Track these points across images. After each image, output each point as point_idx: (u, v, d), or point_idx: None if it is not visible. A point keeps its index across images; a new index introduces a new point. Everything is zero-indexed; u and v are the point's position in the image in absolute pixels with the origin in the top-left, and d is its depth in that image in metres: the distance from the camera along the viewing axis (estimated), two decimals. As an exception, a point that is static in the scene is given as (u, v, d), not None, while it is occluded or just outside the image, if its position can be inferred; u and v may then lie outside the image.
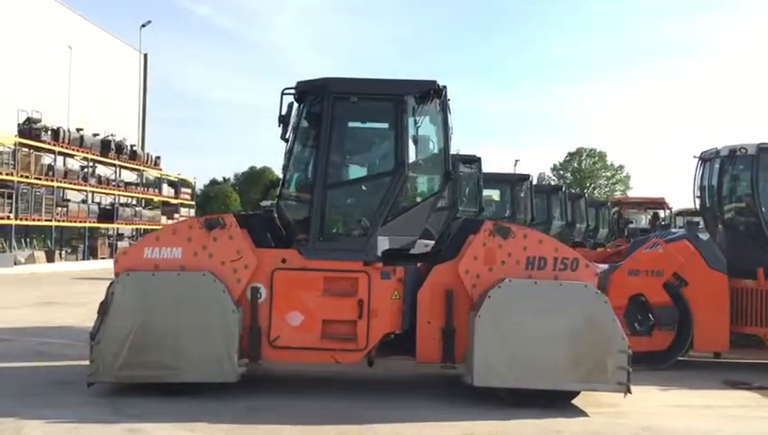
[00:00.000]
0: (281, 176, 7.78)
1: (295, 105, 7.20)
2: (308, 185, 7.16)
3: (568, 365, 6.59)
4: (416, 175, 7.34)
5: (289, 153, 7.24)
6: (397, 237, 7.16)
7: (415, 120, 7.09)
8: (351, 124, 7.68)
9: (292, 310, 6.92)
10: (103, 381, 6.72)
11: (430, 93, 7.15)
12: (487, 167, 13.46)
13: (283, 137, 7.12)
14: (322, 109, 7.05)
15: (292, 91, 7.15)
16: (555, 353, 6.59)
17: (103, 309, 6.77)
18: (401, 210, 7.16)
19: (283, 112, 7.05)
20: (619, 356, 6.59)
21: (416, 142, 7.23)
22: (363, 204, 7.44)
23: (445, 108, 7.37)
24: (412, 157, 7.16)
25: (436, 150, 7.51)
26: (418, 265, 7.24)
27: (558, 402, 6.71)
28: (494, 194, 16.57)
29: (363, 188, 7.59)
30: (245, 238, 6.95)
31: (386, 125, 7.37)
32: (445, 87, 7.27)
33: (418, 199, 7.44)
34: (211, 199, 57.39)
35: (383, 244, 7.02)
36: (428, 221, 7.68)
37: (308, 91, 7.18)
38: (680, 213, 27.81)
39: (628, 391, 6.62)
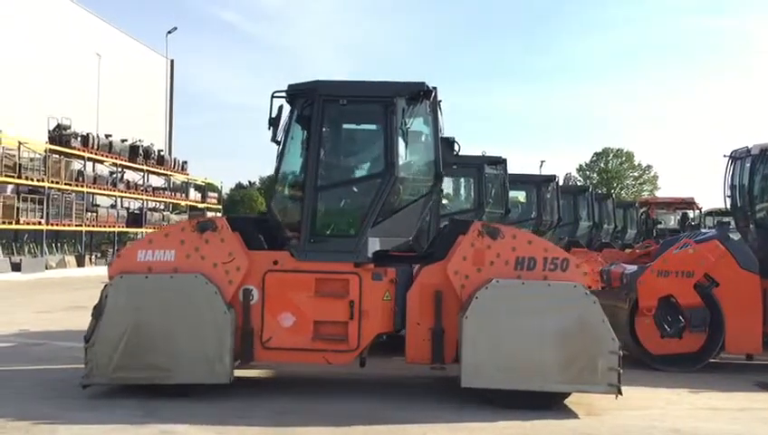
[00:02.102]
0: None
1: (287, 108, 7.28)
2: (299, 187, 7.21)
3: (557, 366, 6.53)
4: (406, 176, 7.33)
5: (280, 156, 7.30)
6: (388, 239, 7.19)
7: (404, 122, 7.09)
8: (341, 126, 7.74)
9: (283, 311, 6.96)
10: (98, 383, 6.82)
11: (420, 95, 7.16)
12: (513, 168, 13.37)
13: (273, 139, 7.19)
14: (313, 111, 7.11)
15: (283, 94, 7.23)
16: (544, 354, 6.54)
17: (97, 312, 6.87)
18: (392, 212, 7.17)
19: (273, 115, 7.12)
20: (609, 357, 6.51)
21: (406, 144, 7.24)
22: (354, 206, 7.47)
23: (435, 109, 7.38)
24: (402, 158, 7.18)
25: (426, 152, 7.52)
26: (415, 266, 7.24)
27: (549, 404, 6.65)
28: (521, 195, 16.45)
29: (354, 189, 7.60)
30: (237, 240, 7.02)
31: (376, 127, 7.39)
32: (435, 89, 7.28)
33: (409, 201, 7.42)
34: (237, 203, 57.79)
35: (374, 245, 7.03)
36: (421, 222, 7.68)
37: (299, 94, 7.24)
38: (710, 213, 27.50)
39: (619, 392, 6.54)
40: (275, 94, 7.14)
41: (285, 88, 7.25)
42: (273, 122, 7.12)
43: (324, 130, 7.20)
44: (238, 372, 7.88)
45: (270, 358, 7.09)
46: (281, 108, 7.17)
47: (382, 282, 6.96)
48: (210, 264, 6.92)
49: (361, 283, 6.92)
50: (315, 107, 7.10)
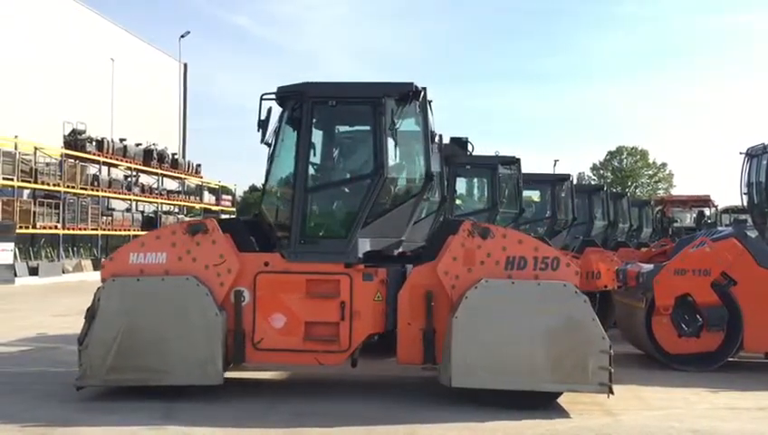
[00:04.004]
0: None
1: (277, 110, 7.31)
2: (289, 188, 7.24)
3: (547, 366, 6.51)
4: (396, 177, 7.34)
5: (271, 158, 7.32)
6: (378, 239, 7.19)
7: (393, 123, 7.08)
8: (331, 128, 7.77)
9: (275, 312, 6.99)
10: (91, 385, 6.88)
11: (409, 95, 7.15)
12: (527, 167, 13.31)
13: (262, 141, 7.23)
14: (302, 113, 7.13)
15: (272, 96, 7.25)
16: (534, 354, 6.52)
17: (90, 314, 6.94)
18: (382, 212, 7.18)
19: (263, 117, 7.15)
20: (600, 356, 6.49)
21: (396, 144, 7.24)
22: (344, 207, 7.49)
23: (425, 109, 7.38)
24: (392, 159, 7.18)
25: (416, 152, 7.52)
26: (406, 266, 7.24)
27: (539, 404, 6.63)
28: (534, 195, 16.38)
29: (344, 190, 7.61)
30: (228, 242, 7.05)
31: (365, 128, 7.39)
32: (424, 89, 7.28)
33: (400, 201, 7.42)
34: (251, 206, 57.94)
35: (364, 246, 7.04)
36: (412, 222, 7.66)
37: (288, 96, 7.27)
38: (726, 210, 27.26)
39: (611, 391, 6.50)
40: (264, 97, 7.18)
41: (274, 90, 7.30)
42: (263, 124, 7.16)
43: (314, 131, 7.24)
44: (257, 375, 7.94)
45: (261, 359, 7.11)
46: (270, 110, 7.21)
47: (373, 282, 6.97)
48: (201, 266, 6.95)
49: (352, 283, 6.93)
50: (304, 109, 7.13)
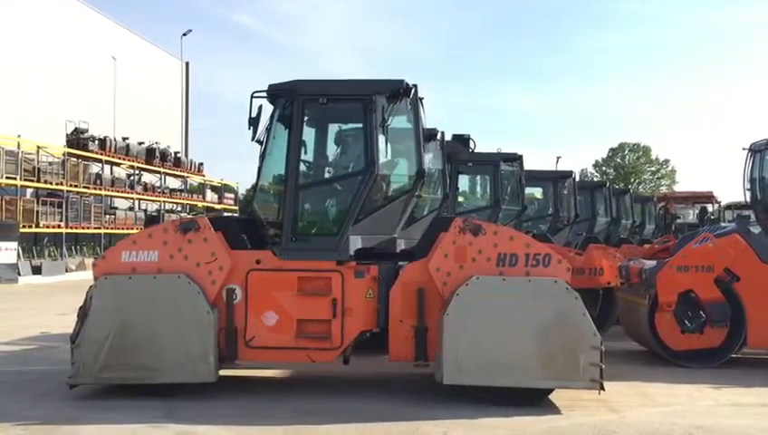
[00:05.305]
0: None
1: (268, 108, 7.31)
2: (281, 186, 7.24)
3: (539, 362, 6.50)
4: (387, 174, 7.34)
5: (263, 155, 7.32)
6: (369, 236, 7.19)
7: (384, 120, 7.07)
8: (322, 125, 7.76)
9: (267, 310, 6.99)
10: (84, 383, 6.89)
11: (399, 93, 7.14)
12: (529, 164, 13.26)
13: (253, 139, 7.22)
14: (293, 111, 7.13)
15: (263, 94, 7.25)
16: (525, 351, 6.51)
17: (83, 313, 6.95)
18: (373, 209, 7.18)
19: (254, 115, 7.13)
20: (591, 352, 6.47)
21: (386, 141, 7.23)
22: (335, 204, 7.49)
23: (416, 106, 7.38)
24: (383, 156, 7.17)
25: (408, 149, 7.51)
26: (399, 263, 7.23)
27: (532, 401, 6.61)
28: (537, 192, 16.35)
29: (335, 188, 7.60)
30: (220, 240, 7.05)
31: (356, 125, 7.39)
32: (415, 86, 7.26)
33: (391, 198, 7.42)
34: (254, 204, 57.88)
35: (355, 243, 7.04)
36: (403, 219, 7.66)
37: (279, 94, 7.27)
38: (729, 207, 27.19)
39: (602, 387, 6.50)
40: (255, 94, 7.17)
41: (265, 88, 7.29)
42: (254, 122, 7.15)
43: (305, 128, 7.23)
44: (258, 372, 7.94)
45: (254, 357, 7.11)
46: (260, 107, 7.20)
47: (365, 279, 6.96)
48: (193, 264, 6.95)
49: (344, 281, 6.93)
50: (295, 106, 7.13)
